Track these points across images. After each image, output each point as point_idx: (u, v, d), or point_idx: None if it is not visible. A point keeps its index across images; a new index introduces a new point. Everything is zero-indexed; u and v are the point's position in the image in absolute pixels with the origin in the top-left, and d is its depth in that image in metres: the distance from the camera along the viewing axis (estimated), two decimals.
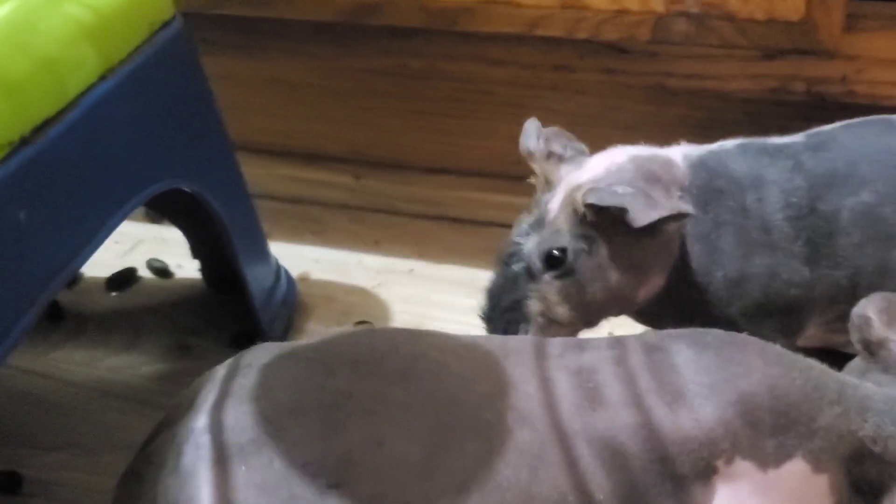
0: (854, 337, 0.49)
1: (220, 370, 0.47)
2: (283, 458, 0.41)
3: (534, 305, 0.54)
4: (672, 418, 0.43)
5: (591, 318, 0.56)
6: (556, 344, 0.49)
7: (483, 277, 0.79)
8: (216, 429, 0.43)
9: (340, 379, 0.44)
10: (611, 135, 0.77)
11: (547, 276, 0.53)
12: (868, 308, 0.48)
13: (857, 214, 0.55)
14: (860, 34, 0.61)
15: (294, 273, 0.78)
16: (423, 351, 0.47)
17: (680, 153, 0.57)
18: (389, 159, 0.87)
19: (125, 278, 0.79)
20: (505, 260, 0.55)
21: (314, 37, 0.75)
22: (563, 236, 0.53)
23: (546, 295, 0.54)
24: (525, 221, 0.56)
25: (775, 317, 0.57)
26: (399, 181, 0.88)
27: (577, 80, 0.71)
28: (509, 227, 0.85)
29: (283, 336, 0.72)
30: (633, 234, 0.52)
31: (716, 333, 0.47)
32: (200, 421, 0.44)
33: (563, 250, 0.53)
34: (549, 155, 0.57)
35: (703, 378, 0.44)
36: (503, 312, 0.55)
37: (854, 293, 0.57)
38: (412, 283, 0.79)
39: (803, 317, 0.58)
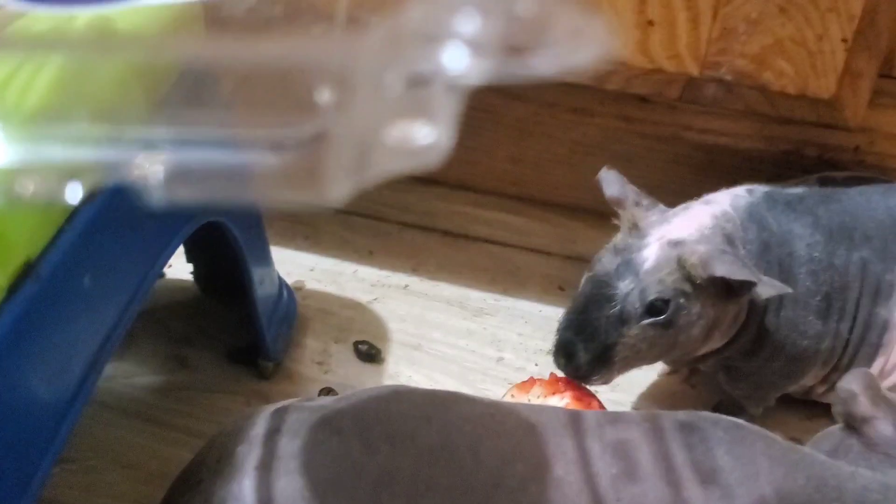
0: (837, 409, 0.51)
1: (257, 429, 0.47)
2: None
3: (623, 350, 0.56)
4: None
5: (655, 361, 0.60)
6: (590, 417, 0.50)
7: (477, 298, 0.81)
8: (263, 499, 0.43)
9: (381, 456, 0.44)
10: (608, 164, 0.78)
11: (643, 323, 0.55)
12: (854, 383, 0.50)
13: (857, 269, 0.59)
14: (878, 109, 0.64)
15: (289, 281, 0.77)
16: (455, 422, 0.48)
17: (729, 205, 0.59)
18: None
19: None
20: (596, 298, 0.56)
21: None
22: (667, 289, 0.55)
23: (638, 340, 0.56)
24: (612, 262, 0.57)
25: (781, 361, 0.61)
26: (390, 188, 0.87)
27: (594, 123, 0.72)
28: (501, 244, 0.87)
29: (283, 352, 0.71)
30: (721, 297, 0.55)
31: (724, 425, 0.49)
32: (245, 485, 0.44)
33: (666, 302, 0.55)
34: (637, 202, 0.59)
35: (687, 476, 0.46)
36: (591, 352, 0.56)
37: (847, 345, 0.61)
38: (407, 299, 0.79)
39: (808, 365, 0.61)
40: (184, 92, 0.22)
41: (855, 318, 0.60)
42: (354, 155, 0.19)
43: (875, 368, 0.61)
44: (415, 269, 0.82)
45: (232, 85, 0.21)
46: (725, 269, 0.53)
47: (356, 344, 0.73)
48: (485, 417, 0.49)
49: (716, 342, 0.59)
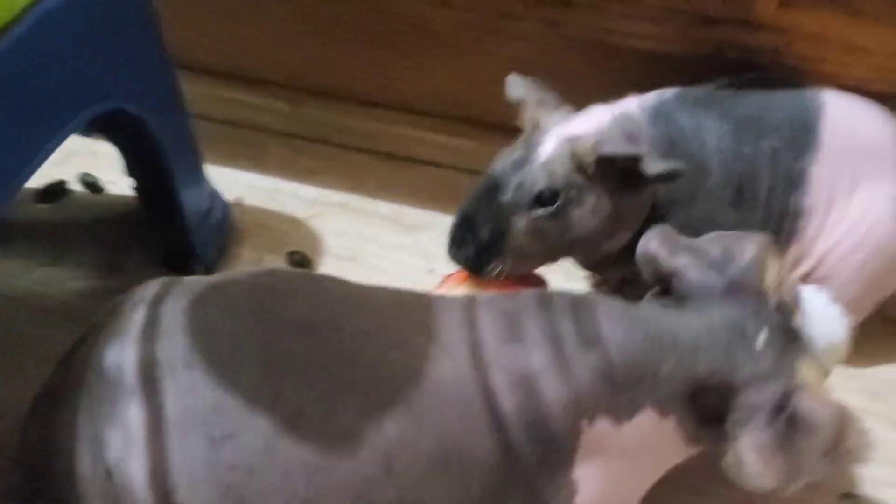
0: (646, 272, 0.51)
1: (148, 291, 0.47)
2: (205, 387, 0.43)
3: (514, 239, 0.56)
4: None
5: (556, 257, 0.60)
6: (486, 294, 0.51)
7: (412, 215, 0.82)
8: (146, 350, 0.44)
9: (238, 324, 0.45)
10: (546, 83, 0.79)
11: (533, 213, 0.56)
12: (649, 245, 0.50)
13: (767, 158, 0.60)
14: (792, 10, 0.64)
15: (228, 197, 0.78)
16: (323, 298, 0.48)
17: (636, 106, 0.60)
18: (325, 88, 0.87)
19: (55, 191, 0.78)
20: (489, 189, 0.57)
21: None
22: (558, 179, 0.55)
23: (528, 231, 0.56)
24: (510, 157, 0.57)
25: None
26: (334, 111, 0.87)
27: (519, 28, 0.73)
28: (441, 166, 0.87)
29: (215, 260, 0.72)
30: (619, 189, 0.56)
31: (561, 293, 0.50)
32: (128, 344, 0.44)
33: (555, 192, 0.55)
34: (539, 102, 0.59)
35: (570, 339, 0.47)
36: (480, 240, 0.57)
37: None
38: (345, 216, 0.80)
39: None
40: None
41: (770, 208, 0.61)
42: None
43: (790, 256, 0.62)
44: (354, 189, 0.83)
45: None
46: (611, 146, 0.54)
47: (290, 254, 0.75)
48: (354, 297, 0.49)
49: (622, 237, 0.59)
